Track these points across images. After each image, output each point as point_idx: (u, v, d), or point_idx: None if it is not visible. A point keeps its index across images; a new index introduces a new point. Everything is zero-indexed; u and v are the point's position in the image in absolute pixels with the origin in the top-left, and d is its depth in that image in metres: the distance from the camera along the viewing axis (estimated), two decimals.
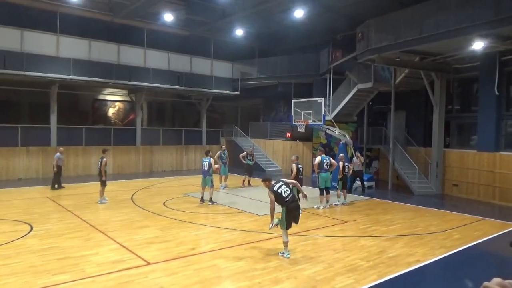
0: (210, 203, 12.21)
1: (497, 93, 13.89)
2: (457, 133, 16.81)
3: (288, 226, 7.27)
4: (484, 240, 8.97)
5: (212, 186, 12.34)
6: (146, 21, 20.13)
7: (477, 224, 10.65)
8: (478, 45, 12.17)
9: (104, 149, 12.78)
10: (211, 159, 12.39)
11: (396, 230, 9.69)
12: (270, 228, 7.42)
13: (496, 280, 5.11)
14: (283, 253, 7.33)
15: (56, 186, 14.71)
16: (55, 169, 14.64)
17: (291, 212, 7.24)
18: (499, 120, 14.33)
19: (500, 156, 14.09)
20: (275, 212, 7.24)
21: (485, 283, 5.00)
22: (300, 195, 8.19)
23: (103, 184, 12.15)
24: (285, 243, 7.29)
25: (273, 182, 7.43)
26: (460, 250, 8.15)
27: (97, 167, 12.62)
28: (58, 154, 14.85)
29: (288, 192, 7.27)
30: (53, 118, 18.33)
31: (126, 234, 8.64)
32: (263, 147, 23.74)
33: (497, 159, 14.14)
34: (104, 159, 12.15)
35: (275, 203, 7.19)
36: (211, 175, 12.28)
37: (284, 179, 7.62)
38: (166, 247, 7.77)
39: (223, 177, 15.48)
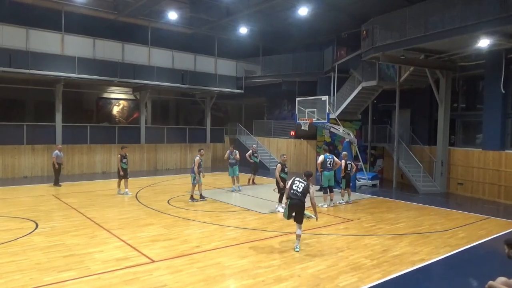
0: (190, 200, 12.26)
1: (503, 91, 13.78)
2: (462, 131, 16.71)
3: (287, 217, 7.76)
4: (489, 239, 8.94)
5: (194, 184, 12.26)
6: (150, 19, 20.15)
7: (482, 223, 10.60)
8: (484, 42, 12.08)
9: (123, 146, 14.02)
10: (196, 157, 12.40)
11: (401, 228, 9.67)
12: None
13: (501, 279, 5.16)
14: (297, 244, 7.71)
15: (54, 183, 14.94)
16: (56, 166, 14.82)
17: (291, 207, 7.64)
18: (504, 119, 14.22)
19: (505, 154, 14.00)
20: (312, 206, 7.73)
21: (490, 282, 5.06)
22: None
23: (120, 177, 13.23)
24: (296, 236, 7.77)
25: (302, 177, 7.92)
26: (465, 249, 8.13)
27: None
28: (56, 151, 15.04)
29: (298, 190, 7.60)
30: (58, 116, 18.41)
31: (130, 231, 8.69)
32: (267, 145, 23.74)
33: (503, 157, 14.05)
34: (118, 155, 13.34)
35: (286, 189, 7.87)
36: (193, 173, 12.25)
37: (309, 186, 7.71)
38: (170, 245, 7.80)
39: (233, 178, 14.66)
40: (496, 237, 9.06)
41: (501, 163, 14.07)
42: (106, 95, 23.43)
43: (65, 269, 6.33)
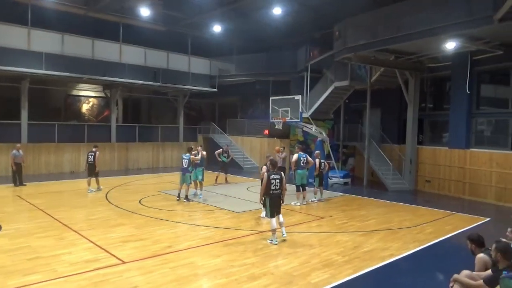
0: (185, 200, 12.12)
1: (468, 92, 14.31)
2: (430, 130, 17.24)
3: (272, 215, 8.06)
4: (455, 234, 9.27)
5: (190, 183, 12.24)
6: (122, 15, 19.68)
7: (449, 218, 10.99)
8: (450, 45, 12.49)
9: (95, 145, 14.41)
10: (191, 156, 12.24)
11: (371, 225, 9.88)
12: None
13: (465, 272, 5.39)
14: (271, 240, 7.89)
15: (17, 183, 14.41)
16: (14, 167, 14.32)
17: (274, 202, 8.06)
18: (469, 118, 14.77)
19: (470, 153, 14.57)
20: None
21: (455, 275, 5.27)
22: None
23: (97, 175, 13.66)
24: (273, 231, 7.94)
25: (274, 170, 8.19)
26: (433, 244, 8.41)
27: (87, 161, 13.77)
28: (14, 151, 14.53)
29: (277, 186, 8.05)
30: (24, 114, 17.74)
31: (100, 232, 8.47)
32: (241, 144, 23.71)
33: (467, 155, 14.61)
34: (97, 152, 13.71)
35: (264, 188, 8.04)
36: (190, 172, 12.17)
37: (283, 176, 8.18)
38: (142, 245, 7.65)
39: (196, 182, 12.89)
40: (462, 232, 9.40)
41: (466, 161, 14.63)
42: (75, 92, 22.76)
43: (30, 272, 6.09)
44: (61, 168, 18.90)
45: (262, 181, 8.13)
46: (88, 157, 13.72)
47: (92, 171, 13.54)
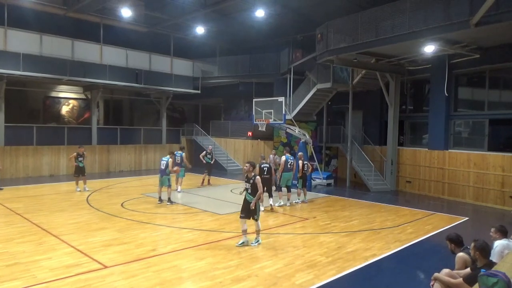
0: (168, 203, 12.02)
1: (446, 94, 14.67)
2: (410, 132, 17.57)
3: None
4: (435, 233, 9.47)
5: (169, 186, 12.12)
6: (103, 16, 19.40)
7: (429, 218, 11.22)
8: (429, 48, 12.79)
9: (79, 146, 14.91)
10: (170, 159, 12.15)
11: (354, 225, 10.01)
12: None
13: (445, 270, 5.53)
14: (258, 241, 8.04)
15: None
16: None
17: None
18: (448, 120, 15.13)
19: (449, 154, 14.92)
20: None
21: (435, 274, 5.40)
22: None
23: (74, 175, 14.33)
24: (258, 232, 8.14)
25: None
26: (413, 244, 8.56)
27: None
28: None
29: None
30: (0, 116, 17.26)
31: (82, 237, 8.31)
32: (224, 146, 23.67)
33: (446, 156, 14.96)
34: (75, 153, 14.25)
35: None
36: (168, 175, 12.08)
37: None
38: (125, 249, 7.55)
39: (179, 179, 14.33)
40: (442, 231, 9.61)
41: (445, 161, 14.97)
42: (54, 94, 22.28)
43: (9, 278, 5.94)
44: (40, 172, 18.47)
45: (253, 184, 7.91)
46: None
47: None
